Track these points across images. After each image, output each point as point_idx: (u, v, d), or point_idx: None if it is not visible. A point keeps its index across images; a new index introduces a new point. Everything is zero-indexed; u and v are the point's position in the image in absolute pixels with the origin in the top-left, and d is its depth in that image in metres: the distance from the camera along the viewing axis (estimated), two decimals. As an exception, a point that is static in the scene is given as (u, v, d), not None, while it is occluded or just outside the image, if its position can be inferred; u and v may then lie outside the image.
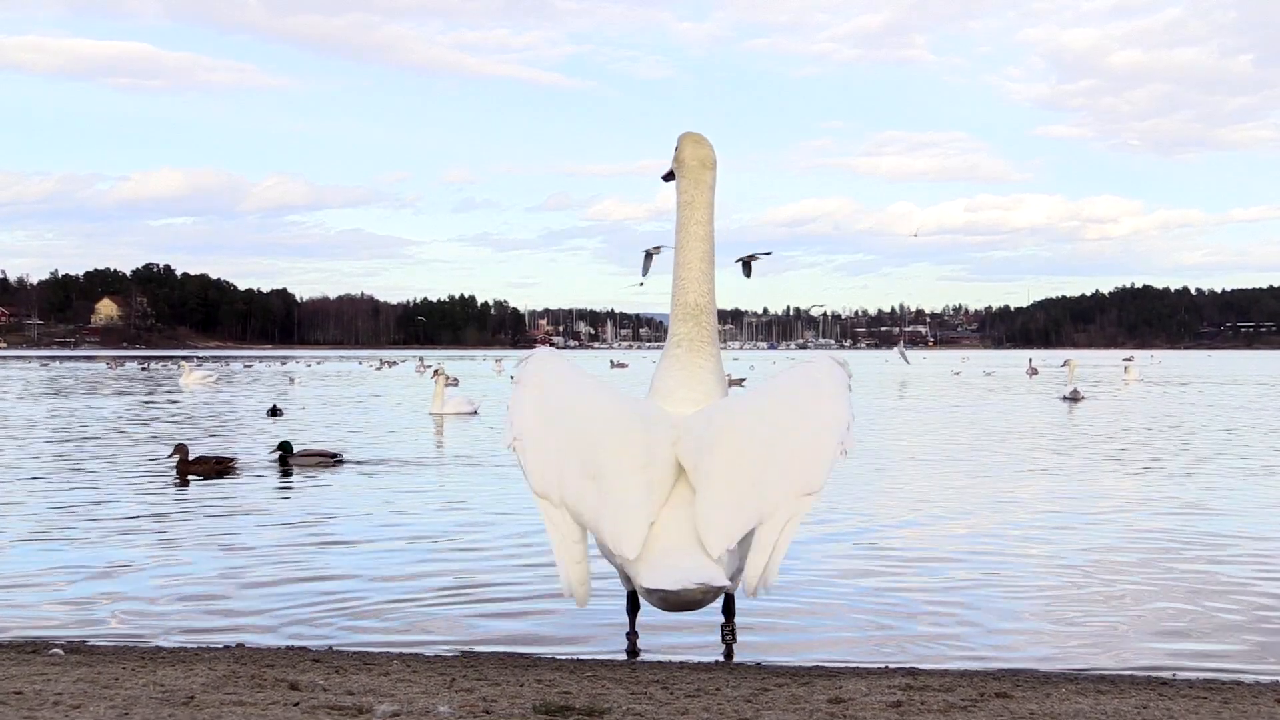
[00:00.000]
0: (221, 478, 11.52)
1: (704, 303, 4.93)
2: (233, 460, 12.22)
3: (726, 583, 4.14)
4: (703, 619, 5.32)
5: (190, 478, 11.45)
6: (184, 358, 68.59)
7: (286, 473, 11.87)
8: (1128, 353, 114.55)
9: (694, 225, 4.94)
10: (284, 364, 76.03)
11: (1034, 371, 48.75)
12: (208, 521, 8.67)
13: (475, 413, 21.60)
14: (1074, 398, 26.72)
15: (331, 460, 12.62)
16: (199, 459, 11.94)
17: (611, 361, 73.17)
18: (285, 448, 12.61)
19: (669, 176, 5.23)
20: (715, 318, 5.01)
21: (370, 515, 9.01)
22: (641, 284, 6.73)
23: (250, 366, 68.96)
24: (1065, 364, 38.05)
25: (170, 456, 12.14)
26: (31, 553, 7.41)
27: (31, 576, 6.62)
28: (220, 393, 32.50)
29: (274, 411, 22.07)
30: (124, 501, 9.80)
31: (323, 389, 36.11)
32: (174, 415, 22.42)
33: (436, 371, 24.17)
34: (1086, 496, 10.34)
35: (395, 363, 73.80)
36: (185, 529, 8.32)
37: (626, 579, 4.55)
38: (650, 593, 4.16)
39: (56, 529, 8.34)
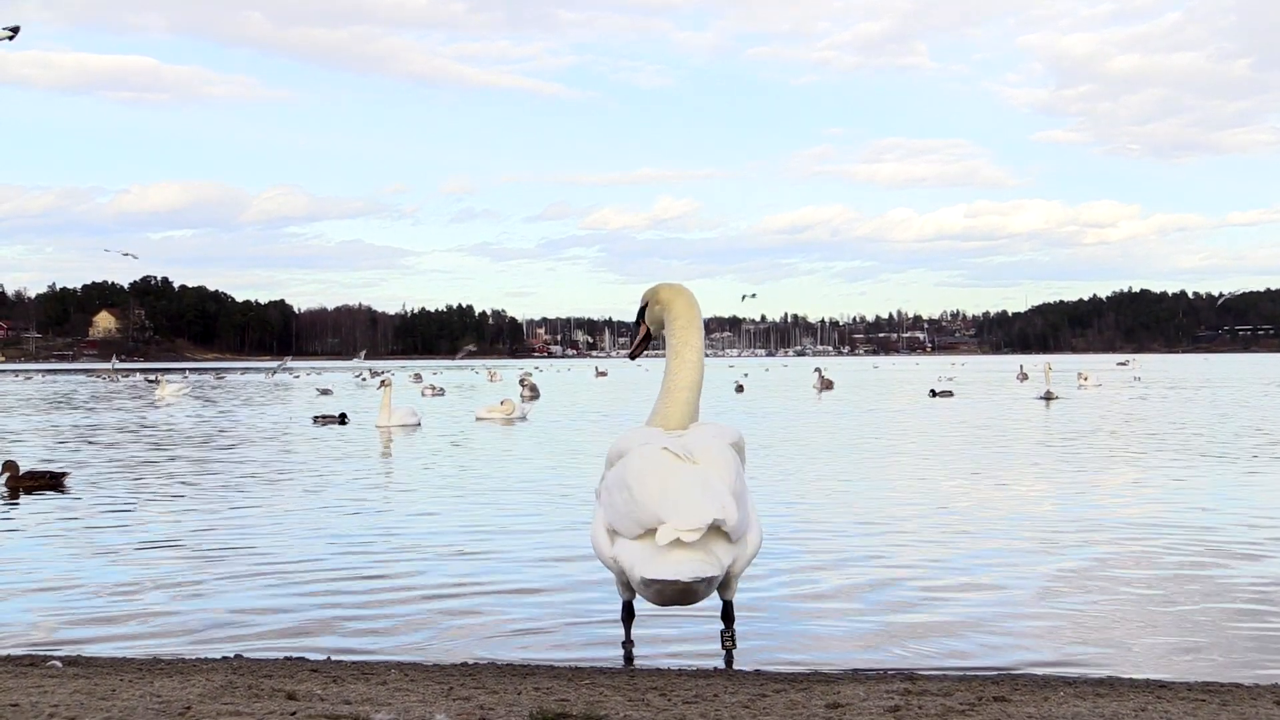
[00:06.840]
0: (54, 491, 11.37)
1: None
2: (64, 475, 12.00)
3: (718, 573, 4.26)
4: (702, 628, 5.33)
5: (22, 492, 11.27)
6: (165, 370, 68.51)
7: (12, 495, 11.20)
8: (1123, 357, 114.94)
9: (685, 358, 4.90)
10: (271, 375, 75.97)
11: (1024, 377, 49.22)
12: (185, 533, 8.66)
13: (419, 425, 21.25)
14: (1048, 397, 31.13)
15: (54, 481, 11.80)
16: (29, 474, 11.72)
17: (596, 369, 75.48)
18: (10, 467, 11.74)
19: (640, 317, 5.24)
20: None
21: (360, 526, 9.00)
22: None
23: (223, 378, 68.97)
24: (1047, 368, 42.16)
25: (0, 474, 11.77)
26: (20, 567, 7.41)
27: (25, 589, 6.61)
28: (204, 405, 32.71)
29: (342, 419, 23.04)
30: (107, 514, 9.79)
31: (316, 402, 36.09)
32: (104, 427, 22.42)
33: (383, 382, 22.60)
34: (1079, 496, 10.35)
35: (383, 372, 73.73)
36: (174, 539, 8.32)
37: (624, 587, 4.58)
38: (648, 584, 4.24)
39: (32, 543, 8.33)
